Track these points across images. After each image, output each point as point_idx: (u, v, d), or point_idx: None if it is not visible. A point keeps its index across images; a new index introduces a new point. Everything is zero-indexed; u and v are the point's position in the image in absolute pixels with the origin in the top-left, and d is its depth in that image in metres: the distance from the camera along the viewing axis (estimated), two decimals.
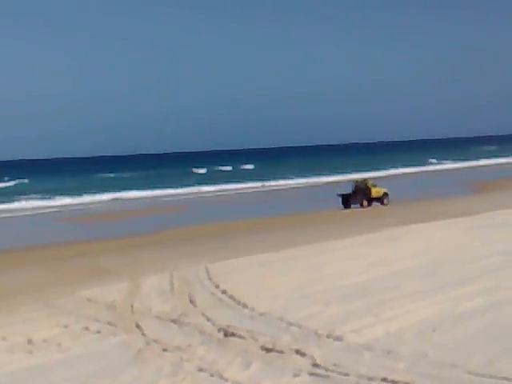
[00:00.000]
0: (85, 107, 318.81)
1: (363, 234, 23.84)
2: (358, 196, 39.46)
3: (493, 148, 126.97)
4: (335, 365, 8.78)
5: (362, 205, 39.16)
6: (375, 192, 39.73)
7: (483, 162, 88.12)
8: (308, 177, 74.56)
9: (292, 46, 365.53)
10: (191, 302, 13.91)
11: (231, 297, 13.93)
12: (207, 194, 58.88)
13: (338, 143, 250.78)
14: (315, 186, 64.74)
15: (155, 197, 58.09)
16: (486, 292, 12.19)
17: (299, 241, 23.49)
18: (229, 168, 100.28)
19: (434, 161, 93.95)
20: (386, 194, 39.92)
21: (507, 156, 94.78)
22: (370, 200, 39.50)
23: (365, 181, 41.27)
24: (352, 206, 38.94)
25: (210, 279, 16.39)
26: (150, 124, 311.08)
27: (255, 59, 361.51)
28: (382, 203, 39.27)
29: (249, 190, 62.40)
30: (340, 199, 39.41)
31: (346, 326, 10.60)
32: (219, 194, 59.46)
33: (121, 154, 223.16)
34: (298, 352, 9.50)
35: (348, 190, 40.05)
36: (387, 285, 13.69)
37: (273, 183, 68.06)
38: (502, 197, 37.59)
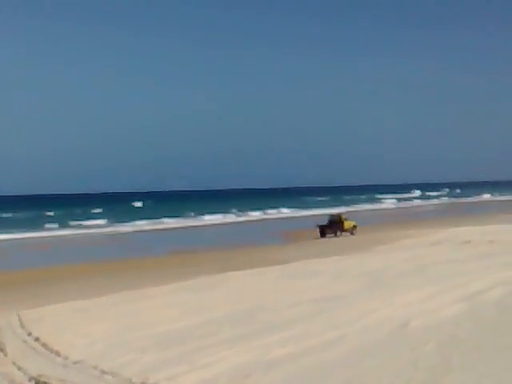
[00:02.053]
0: None
1: (181, 281, 24.03)
2: (333, 227, 46.20)
3: (325, 199, 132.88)
4: None
5: (336, 234, 45.83)
6: (347, 224, 46.83)
7: (313, 211, 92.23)
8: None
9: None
10: (1, 350, 13.37)
11: (44, 344, 13.53)
12: (34, 240, 56.62)
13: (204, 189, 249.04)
14: (144, 231, 64.45)
15: None
16: (298, 338, 12.66)
17: (117, 287, 23.27)
18: (79, 211, 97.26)
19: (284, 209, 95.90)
20: (354, 227, 47.23)
21: (335, 206, 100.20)
22: (342, 231, 46.31)
23: (339, 215, 48.77)
24: (327, 236, 45.65)
25: (22, 327, 15.81)
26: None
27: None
28: (352, 233, 46.28)
29: (83, 234, 61.48)
30: (318, 229, 46.29)
31: (161, 373, 10.63)
32: (49, 238, 57.77)
33: None
34: None
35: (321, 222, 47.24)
36: (203, 332, 13.88)
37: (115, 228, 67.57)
38: (314, 246, 39.43)
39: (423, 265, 23.37)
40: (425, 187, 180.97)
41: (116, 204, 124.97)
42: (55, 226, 70.72)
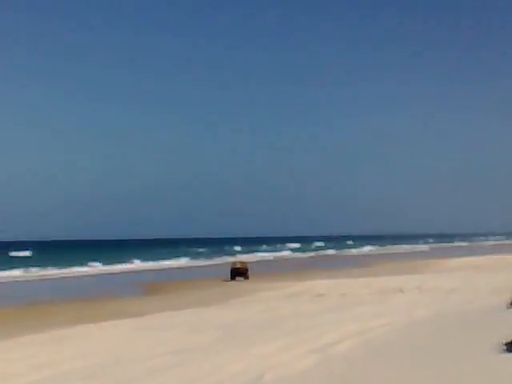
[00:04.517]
0: None
1: (31, 334, 23.24)
2: (243, 272, 54.01)
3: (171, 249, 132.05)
4: None
5: (245, 278, 53.26)
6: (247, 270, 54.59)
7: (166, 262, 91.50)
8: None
9: None
10: None
11: None
12: None
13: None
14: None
15: None
16: None
17: None
18: None
19: (137, 261, 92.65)
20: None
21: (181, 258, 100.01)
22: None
23: (243, 263, 57.53)
24: (237, 278, 53.15)
25: None
26: None
27: None
28: (247, 278, 53.43)
29: None
30: (230, 274, 53.73)
31: None
32: None
33: None
34: None
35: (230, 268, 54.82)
36: None
37: None
38: (170, 299, 39.20)
39: (278, 317, 23.85)
40: (303, 240, 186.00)
41: None
42: None
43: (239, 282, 50.97)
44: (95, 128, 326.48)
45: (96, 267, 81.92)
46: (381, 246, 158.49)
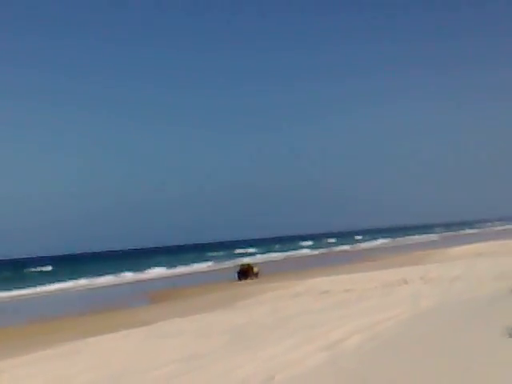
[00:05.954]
0: None
1: (43, 350, 23.24)
2: (247, 273, 57.41)
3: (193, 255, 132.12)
4: None
5: (252, 278, 56.33)
6: (255, 270, 58.49)
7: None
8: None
9: None
10: None
11: None
12: None
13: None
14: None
15: None
16: None
17: None
18: None
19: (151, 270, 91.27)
20: (258, 272, 58.69)
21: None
22: (254, 276, 57.49)
23: (248, 264, 61.64)
24: (243, 280, 55.88)
25: None
26: None
27: None
28: (257, 277, 57.14)
29: None
30: (236, 275, 57.20)
31: None
32: None
33: None
34: None
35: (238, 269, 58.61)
36: None
37: None
38: (178, 305, 39.23)
39: (285, 317, 23.89)
40: (316, 237, 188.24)
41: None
42: None
43: (245, 284, 51.16)
44: (110, 140, 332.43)
45: (118, 277, 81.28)
46: (393, 238, 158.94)
